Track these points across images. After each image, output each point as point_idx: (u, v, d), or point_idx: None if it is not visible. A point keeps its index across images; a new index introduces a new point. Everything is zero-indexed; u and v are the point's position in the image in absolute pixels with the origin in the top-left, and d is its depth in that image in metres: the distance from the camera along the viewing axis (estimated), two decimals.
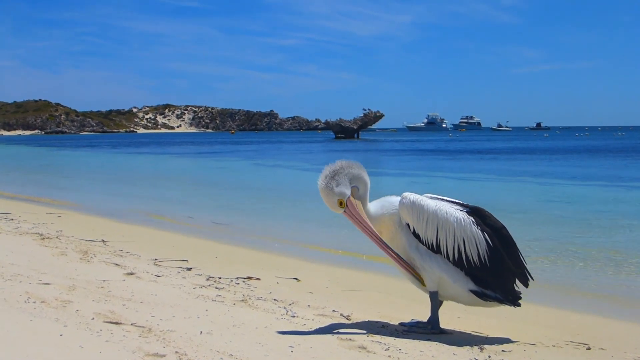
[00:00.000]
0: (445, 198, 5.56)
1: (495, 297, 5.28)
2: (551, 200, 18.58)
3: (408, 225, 5.34)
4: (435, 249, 5.27)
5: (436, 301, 5.41)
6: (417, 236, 5.31)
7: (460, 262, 5.22)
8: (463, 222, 5.26)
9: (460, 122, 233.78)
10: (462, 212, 5.35)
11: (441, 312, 5.54)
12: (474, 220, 5.30)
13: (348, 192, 5.36)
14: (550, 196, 19.67)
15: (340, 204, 5.35)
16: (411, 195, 5.42)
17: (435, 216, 5.27)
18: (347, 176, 5.40)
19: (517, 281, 5.39)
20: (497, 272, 5.24)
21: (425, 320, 5.59)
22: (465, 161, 42.21)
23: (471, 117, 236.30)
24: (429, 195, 5.56)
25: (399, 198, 5.49)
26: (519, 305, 5.37)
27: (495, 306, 5.40)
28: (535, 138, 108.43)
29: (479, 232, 5.25)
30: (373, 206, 5.53)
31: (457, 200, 5.57)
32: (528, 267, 5.47)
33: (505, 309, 5.48)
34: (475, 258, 5.20)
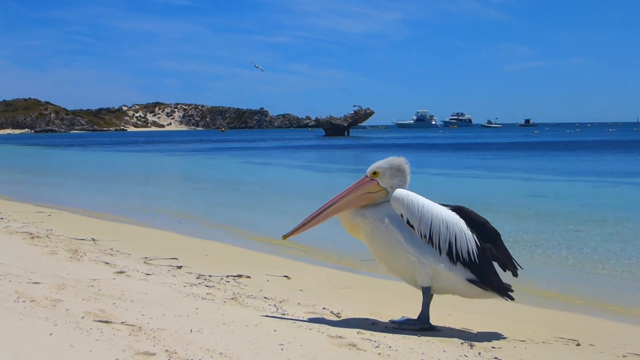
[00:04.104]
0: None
1: (491, 286, 5.34)
2: (541, 195, 18.64)
3: (402, 215, 5.36)
4: (428, 241, 5.31)
5: (428, 296, 5.43)
6: (411, 226, 5.34)
7: (450, 255, 5.29)
8: (454, 219, 5.37)
9: (451, 119, 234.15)
10: (453, 212, 5.45)
11: (431, 309, 5.55)
12: (464, 221, 5.41)
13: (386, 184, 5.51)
14: (540, 192, 19.73)
15: (374, 173, 5.52)
16: (404, 190, 5.48)
17: (429, 210, 5.34)
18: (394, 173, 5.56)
19: (507, 272, 5.49)
20: (484, 268, 5.31)
21: (415, 317, 5.61)
22: (454, 157, 42.29)
23: (462, 114, 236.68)
24: None
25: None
26: (512, 298, 5.45)
27: (492, 297, 5.45)
28: (525, 135, 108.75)
29: (468, 231, 5.36)
30: None
31: (437, 203, 5.64)
32: (515, 258, 5.56)
33: (495, 306, 5.51)
34: (465, 254, 5.28)
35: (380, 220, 5.40)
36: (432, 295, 5.49)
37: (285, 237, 5.56)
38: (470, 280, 5.33)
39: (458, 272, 5.31)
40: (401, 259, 5.38)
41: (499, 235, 5.53)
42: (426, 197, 5.64)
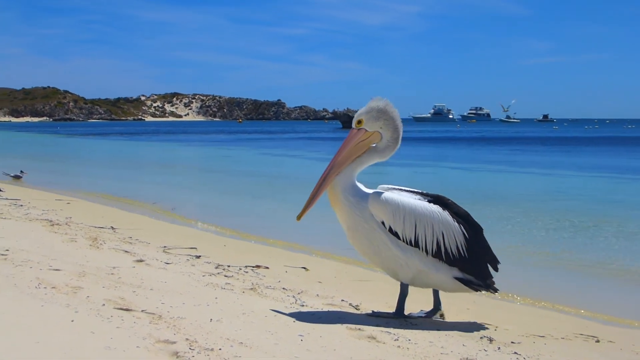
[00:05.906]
0: (403, 188, 5.52)
1: (477, 283, 5.30)
2: (561, 191, 18.52)
3: (383, 222, 5.24)
4: (414, 244, 5.22)
5: (406, 292, 5.42)
6: (394, 233, 5.23)
7: (439, 255, 5.22)
8: (440, 215, 5.25)
9: (469, 113, 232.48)
10: (435, 205, 5.31)
11: (450, 302, 5.59)
12: (448, 212, 5.31)
13: (373, 127, 5.42)
14: (564, 188, 19.62)
15: (359, 122, 5.44)
16: (383, 192, 5.34)
17: (412, 212, 5.21)
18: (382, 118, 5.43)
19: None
20: (473, 260, 5.26)
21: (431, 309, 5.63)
22: (471, 151, 42.07)
23: (480, 108, 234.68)
24: (385, 186, 5.51)
25: (369, 191, 5.41)
26: (496, 290, 5.39)
27: (478, 291, 5.42)
28: (544, 130, 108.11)
29: (455, 223, 5.26)
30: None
31: (416, 190, 5.54)
32: (494, 253, 5.48)
33: (515, 302, 5.48)
34: (454, 250, 5.21)
35: (364, 219, 5.28)
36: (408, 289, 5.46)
37: (299, 217, 5.44)
38: (457, 279, 5.28)
39: (445, 271, 5.27)
40: (387, 259, 5.31)
41: (481, 229, 5.42)
42: (431, 191, 5.57)
